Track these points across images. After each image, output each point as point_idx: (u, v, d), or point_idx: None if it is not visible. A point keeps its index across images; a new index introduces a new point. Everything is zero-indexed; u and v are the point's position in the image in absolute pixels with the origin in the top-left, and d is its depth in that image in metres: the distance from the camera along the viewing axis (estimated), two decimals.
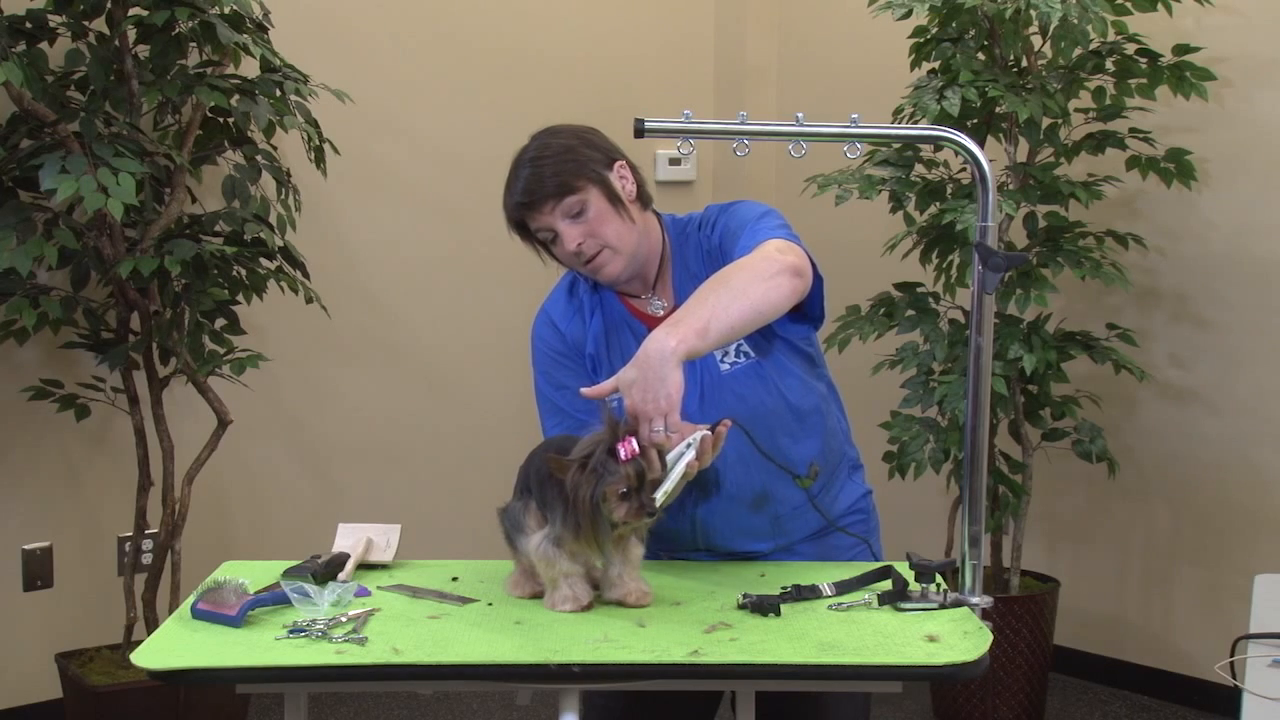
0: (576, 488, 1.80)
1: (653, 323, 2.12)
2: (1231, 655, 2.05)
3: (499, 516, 1.97)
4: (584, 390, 1.89)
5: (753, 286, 1.88)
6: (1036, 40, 3.54)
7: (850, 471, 2.25)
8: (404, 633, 1.78)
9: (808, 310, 2.07)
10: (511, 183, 2.09)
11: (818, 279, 2.04)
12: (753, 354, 2.09)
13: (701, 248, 2.13)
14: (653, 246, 2.15)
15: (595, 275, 2.11)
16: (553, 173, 2.04)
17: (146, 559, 3.46)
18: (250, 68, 3.38)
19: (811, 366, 2.17)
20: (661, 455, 1.82)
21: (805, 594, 1.91)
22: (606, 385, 1.86)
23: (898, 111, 3.60)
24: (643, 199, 2.14)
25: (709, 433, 1.90)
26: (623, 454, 1.77)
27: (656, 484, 1.80)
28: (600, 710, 2.10)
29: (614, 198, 2.07)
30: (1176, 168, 3.54)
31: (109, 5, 3.16)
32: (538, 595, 1.92)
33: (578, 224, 2.06)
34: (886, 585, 1.93)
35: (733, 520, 2.12)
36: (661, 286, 2.16)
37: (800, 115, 1.94)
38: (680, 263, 2.14)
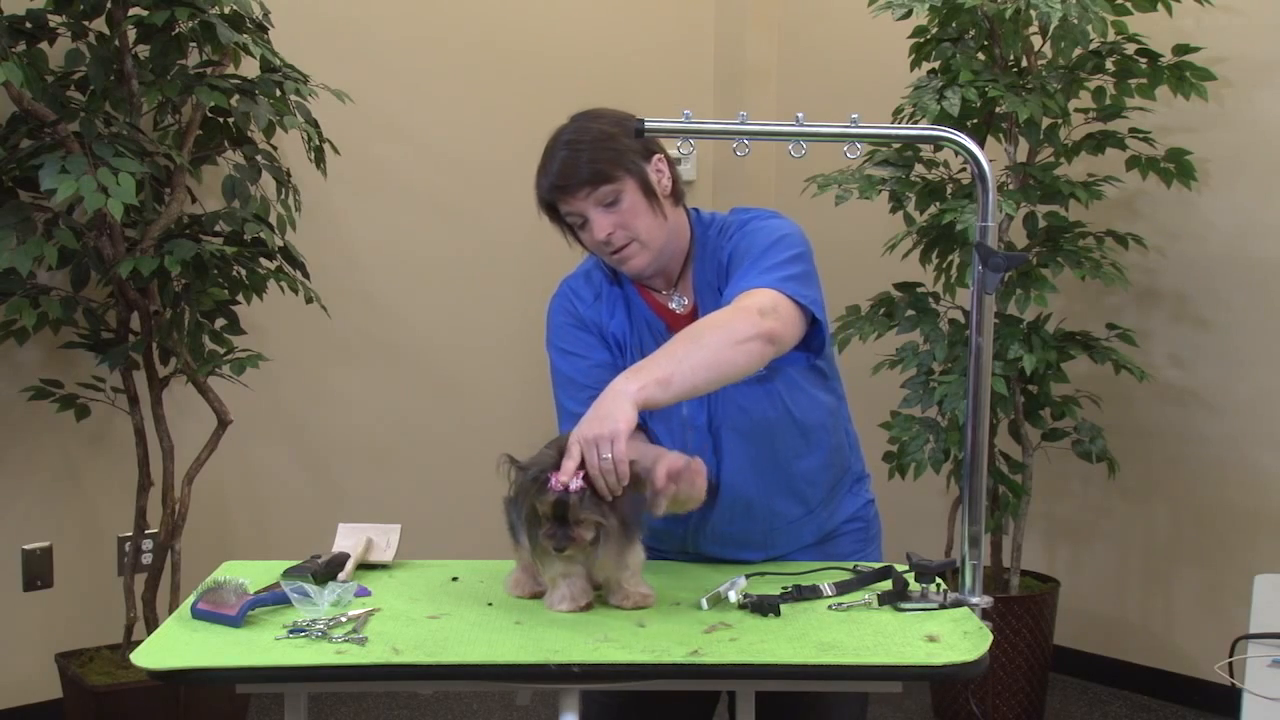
0: (520, 494, 1.82)
1: (673, 318, 2.12)
2: (1231, 655, 2.05)
3: (505, 506, 1.95)
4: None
5: (723, 351, 1.87)
6: (1036, 40, 3.54)
7: (853, 484, 2.23)
8: (404, 633, 1.78)
9: (808, 343, 2.05)
10: (546, 163, 2.06)
11: (818, 322, 2.03)
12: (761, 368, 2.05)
13: (716, 256, 2.12)
14: (680, 244, 2.13)
15: (620, 266, 2.09)
16: (589, 159, 2.02)
17: (146, 559, 3.46)
18: (250, 68, 3.38)
19: (823, 380, 2.15)
20: (641, 485, 1.82)
21: (805, 594, 1.91)
22: None
23: (898, 111, 3.60)
24: (676, 195, 2.12)
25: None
26: (550, 482, 1.78)
27: (579, 522, 1.79)
28: (597, 710, 2.10)
29: (649, 191, 2.05)
30: (1176, 168, 3.54)
31: (109, 5, 3.15)
32: (538, 595, 1.92)
33: (610, 213, 2.03)
34: (886, 585, 1.93)
35: (727, 530, 2.11)
36: (684, 284, 2.14)
37: (800, 115, 1.94)
38: (701, 264, 2.13)
